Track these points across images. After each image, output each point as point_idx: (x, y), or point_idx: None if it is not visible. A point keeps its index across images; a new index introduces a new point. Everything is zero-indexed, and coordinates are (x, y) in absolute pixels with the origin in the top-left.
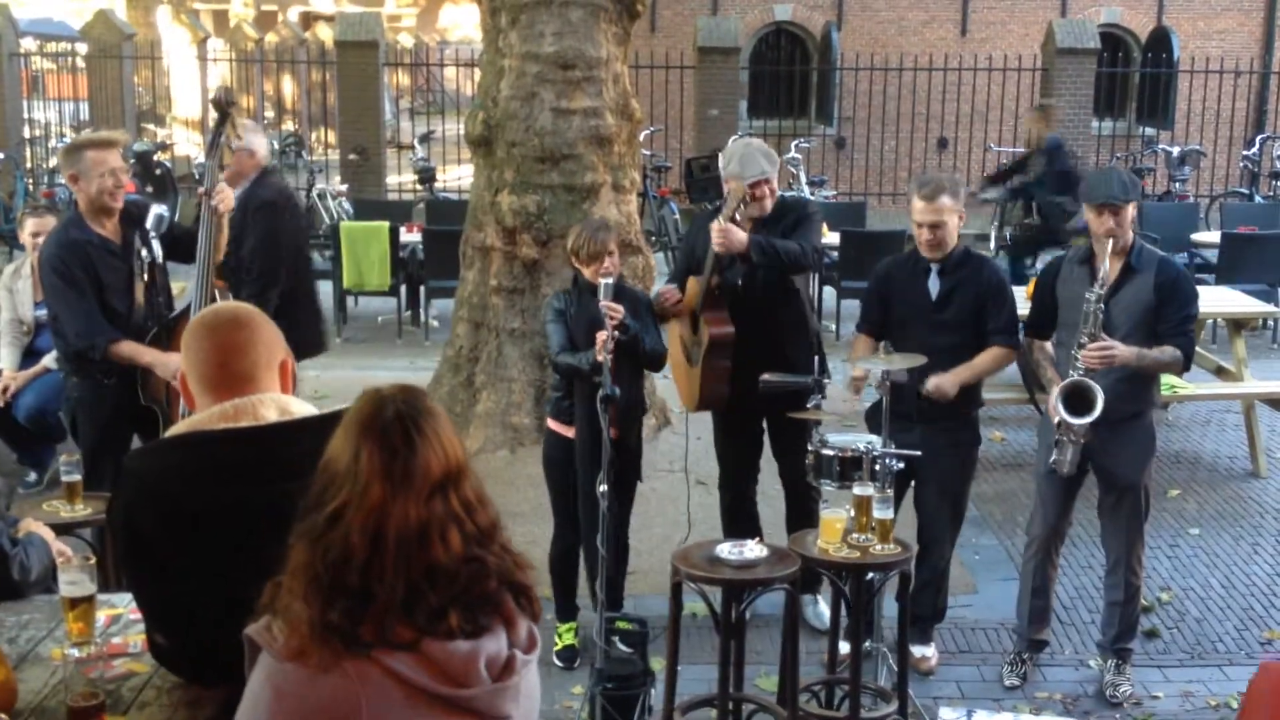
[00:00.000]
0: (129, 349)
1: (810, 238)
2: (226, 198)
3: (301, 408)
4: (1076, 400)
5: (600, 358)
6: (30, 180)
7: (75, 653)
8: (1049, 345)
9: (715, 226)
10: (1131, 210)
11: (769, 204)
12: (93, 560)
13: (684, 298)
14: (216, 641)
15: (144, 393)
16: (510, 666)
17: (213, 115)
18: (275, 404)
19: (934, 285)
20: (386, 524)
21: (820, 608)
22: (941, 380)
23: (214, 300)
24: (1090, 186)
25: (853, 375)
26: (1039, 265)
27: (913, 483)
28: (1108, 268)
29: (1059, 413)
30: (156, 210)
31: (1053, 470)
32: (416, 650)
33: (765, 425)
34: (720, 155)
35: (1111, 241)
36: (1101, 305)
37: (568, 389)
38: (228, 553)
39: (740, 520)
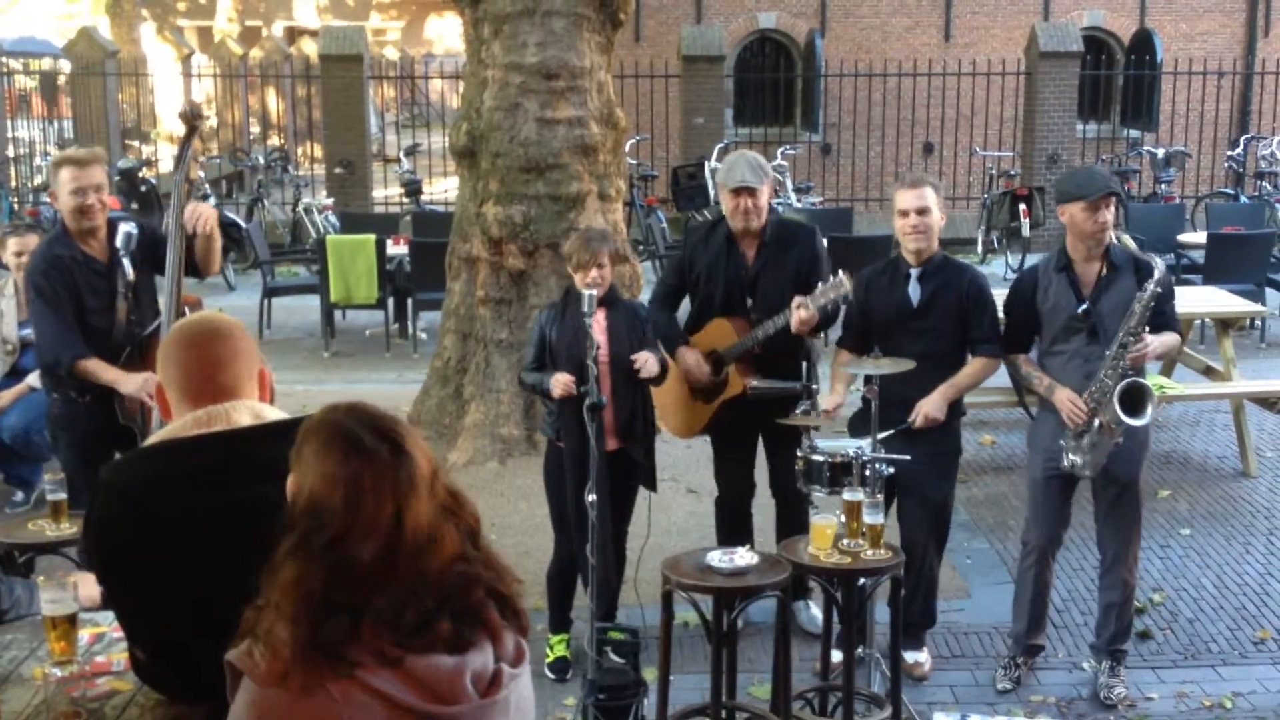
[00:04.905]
0: (93, 366)
1: (830, 274)
2: (206, 217)
3: (275, 415)
4: (1128, 401)
5: (556, 394)
6: (15, 199)
7: (57, 672)
8: (1031, 356)
9: (800, 315)
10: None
11: (754, 219)
12: (74, 578)
13: (700, 333)
14: (196, 656)
15: (121, 411)
16: (497, 681)
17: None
18: (249, 410)
19: (914, 291)
20: (403, 534)
21: (813, 611)
22: (928, 408)
23: (183, 317)
24: (1078, 182)
25: (826, 409)
26: None
27: (896, 496)
28: (1154, 261)
29: (1117, 414)
30: (125, 228)
31: (1050, 477)
32: (400, 668)
33: (760, 437)
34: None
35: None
36: (1151, 304)
37: (556, 405)
38: (204, 561)
39: (736, 532)
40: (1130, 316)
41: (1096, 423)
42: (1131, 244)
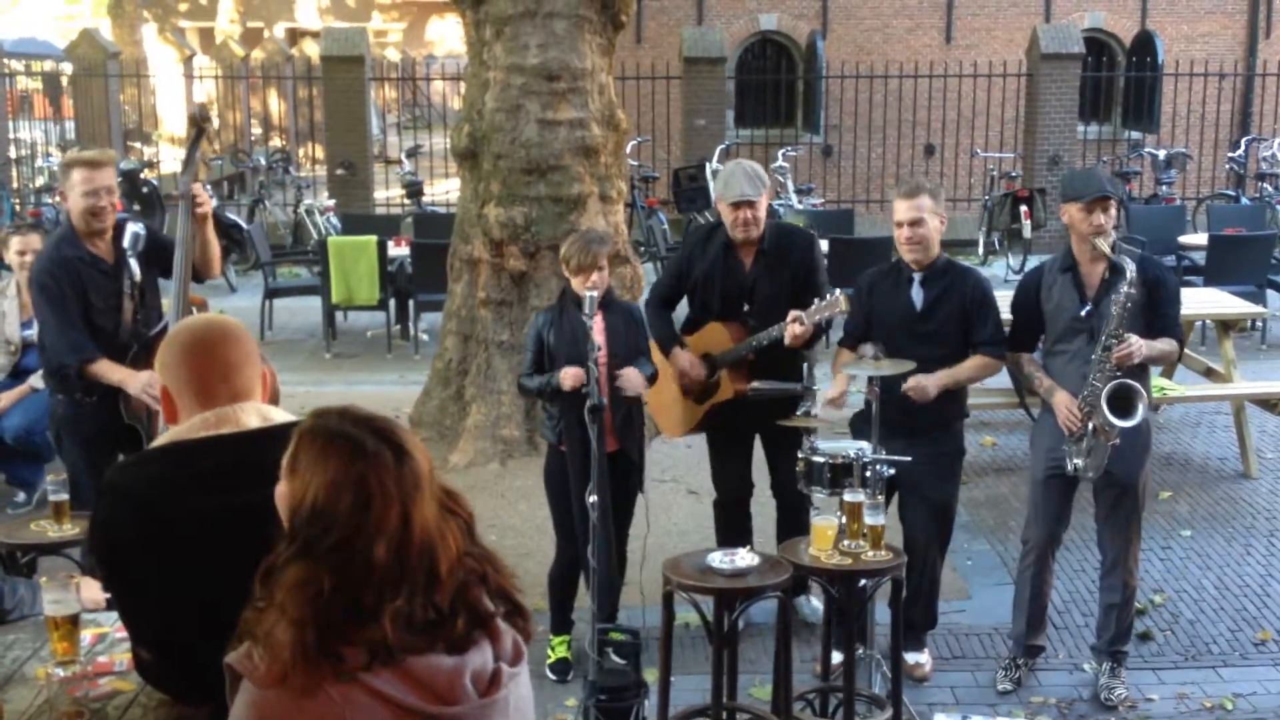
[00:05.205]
0: (102, 368)
1: (827, 282)
2: (203, 197)
3: (282, 416)
4: (1118, 402)
5: (566, 386)
6: (17, 200)
7: (60, 672)
8: (1035, 356)
9: (795, 330)
10: (1115, 208)
11: (754, 230)
12: (76, 579)
13: (696, 335)
14: (202, 657)
15: (126, 411)
16: (496, 680)
17: (188, 131)
18: (257, 412)
19: (918, 295)
20: (410, 534)
21: (815, 603)
22: (922, 379)
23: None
24: (1076, 184)
25: (831, 397)
26: None
27: (897, 494)
28: (1125, 263)
29: (1105, 415)
30: (133, 228)
31: (1051, 477)
32: (400, 668)
33: (759, 437)
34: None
35: (1102, 238)
36: (1129, 305)
37: (558, 409)
38: (211, 563)
39: (735, 532)
40: (1110, 319)
41: (1090, 426)
42: (1105, 247)
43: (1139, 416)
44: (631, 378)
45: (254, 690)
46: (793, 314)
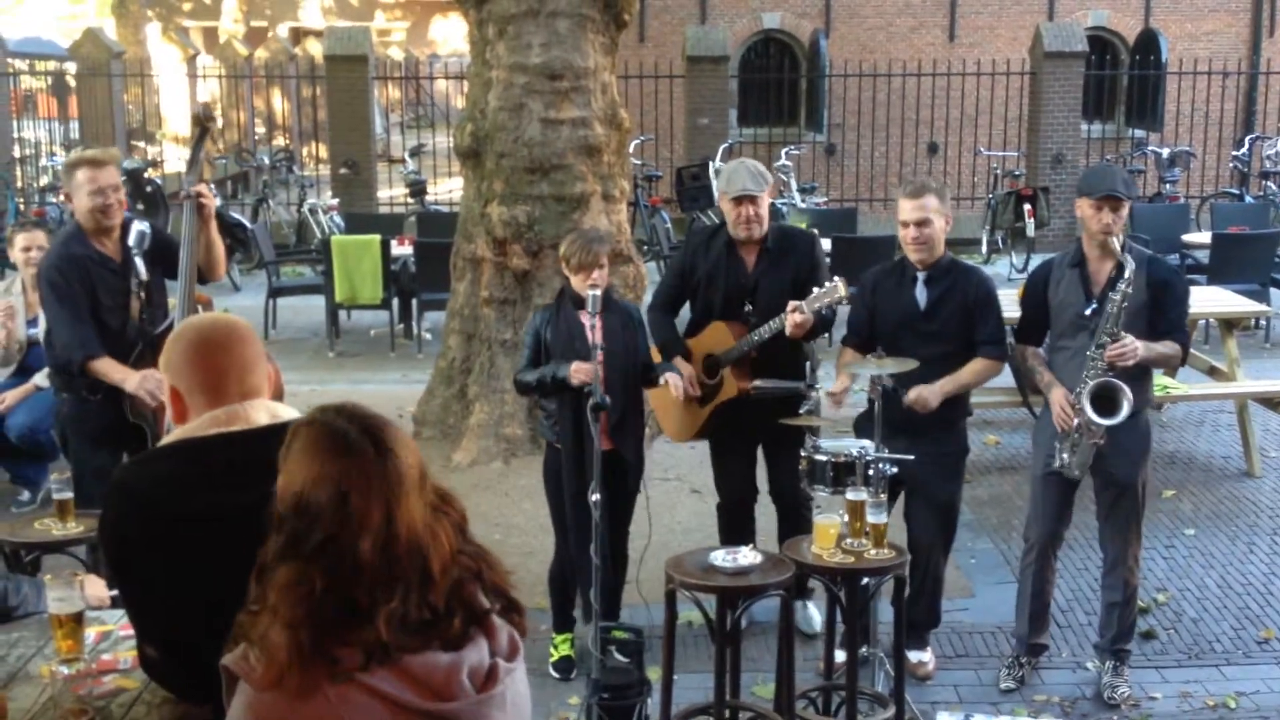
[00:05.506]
0: (103, 366)
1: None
2: (207, 196)
3: (291, 413)
4: (1102, 401)
5: (575, 381)
6: (21, 199)
7: (64, 670)
8: (1041, 350)
9: (795, 319)
10: (1126, 209)
11: (756, 228)
12: (80, 577)
13: (698, 337)
14: (207, 656)
15: (131, 409)
16: (493, 676)
17: (192, 130)
18: (267, 409)
19: (921, 294)
20: (395, 532)
21: (809, 611)
22: (924, 391)
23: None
24: (1092, 179)
25: (831, 391)
26: None
27: (902, 494)
28: (1126, 260)
29: (1086, 414)
30: (139, 227)
31: (1050, 474)
32: (397, 666)
33: (760, 439)
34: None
35: (1111, 238)
36: (1125, 304)
37: (555, 407)
38: (217, 562)
39: (738, 535)
40: (1107, 318)
41: (1076, 423)
42: (1114, 246)
43: (1121, 416)
44: (676, 383)
45: (250, 692)
46: (792, 304)
